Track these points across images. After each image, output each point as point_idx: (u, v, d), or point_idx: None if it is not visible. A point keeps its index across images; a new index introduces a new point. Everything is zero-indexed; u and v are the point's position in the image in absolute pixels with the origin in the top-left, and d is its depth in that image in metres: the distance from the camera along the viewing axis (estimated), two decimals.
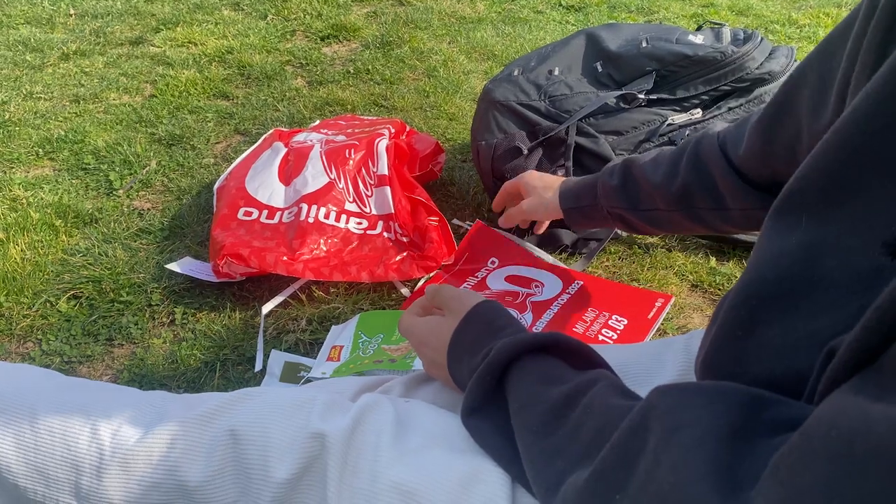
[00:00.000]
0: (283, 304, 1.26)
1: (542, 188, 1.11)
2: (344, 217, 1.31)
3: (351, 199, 1.34)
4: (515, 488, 0.53)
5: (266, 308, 1.23)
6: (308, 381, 1.07)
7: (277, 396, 0.62)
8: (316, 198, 1.32)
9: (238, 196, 1.36)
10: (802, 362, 0.41)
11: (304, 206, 1.31)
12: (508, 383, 0.56)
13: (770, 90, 1.40)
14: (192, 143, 1.74)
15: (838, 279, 0.41)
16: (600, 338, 1.13)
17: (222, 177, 1.47)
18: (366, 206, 1.35)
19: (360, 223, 1.32)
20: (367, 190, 1.36)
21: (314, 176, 1.36)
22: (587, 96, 1.40)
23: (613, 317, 1.17)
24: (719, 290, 1.30)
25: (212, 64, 2.14)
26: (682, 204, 0.89)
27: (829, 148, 0.43)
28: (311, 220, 1.29)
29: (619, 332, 1.15)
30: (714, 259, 1.37)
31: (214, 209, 1.40)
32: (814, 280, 0.43)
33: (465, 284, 1.27)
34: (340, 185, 1.35)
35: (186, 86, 1.99)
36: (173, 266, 1.29)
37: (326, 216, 1.30)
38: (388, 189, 1.35)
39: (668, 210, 0.91)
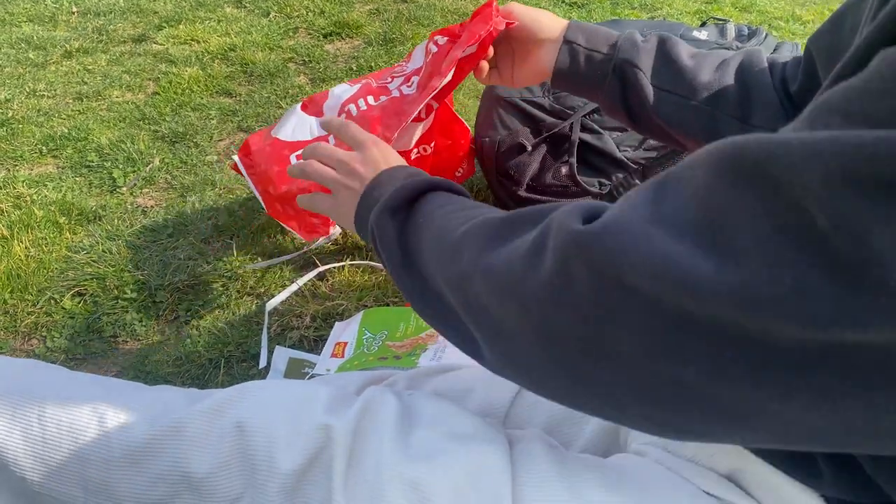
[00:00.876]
0: (287, 301, 1.26)
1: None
2: (396, 94, 1.18)
3: (390, 81, 1.22)
4: (517, 478, 0.53)
5: (270, 305, 1.23)
6: (313, 377, 1.07)
7: (283, 390, 0.63)
8: (357, 96, 1.21)
9: (279, 148, 1.24)
10: None
11: (352, 106, 1.20)
12: (425, 197, 0.60)
13: None
14: (195, 140, 1.74)
15: None
16: None
17: (236, 155, 1.35)
18: (406, 70, 1.20)
19: (409, 85, 1.17)
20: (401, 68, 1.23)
21: (343, 90, 1.25)
22: None
23: None
24: None
25: (214, 61, 2.14)
26: (710, 100, 0.80)
27: None
28: (364, 109, 1.18)
29: None
30: None
31: (248, 178, 1.28)
32: None
33: None
34: (375, 84, 1.24)
35: (189, 83, 1.99)
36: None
37: (376, 99, 1.19)
38: (420, 49, 1.16)
39: (687, 98, 0.80)
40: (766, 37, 1.42)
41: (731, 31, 1.45)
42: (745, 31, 1.46)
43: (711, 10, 2.55)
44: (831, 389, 0.31)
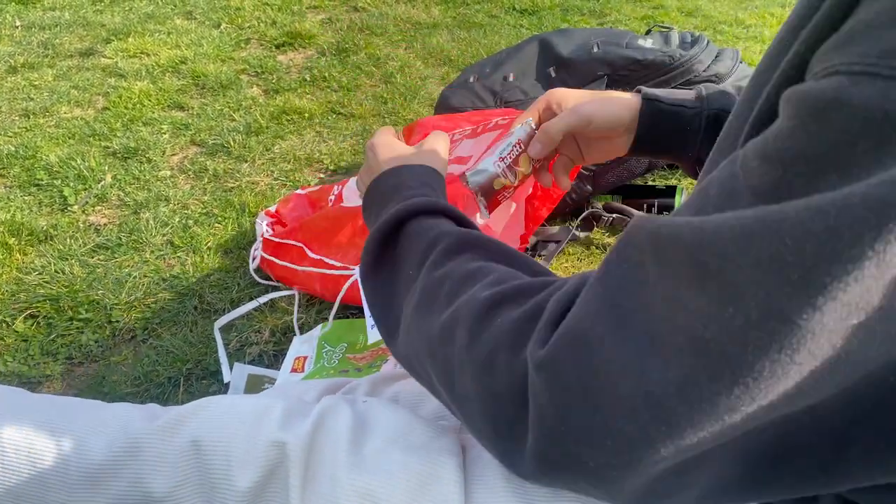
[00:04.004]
0: (245, 317, 1.26)
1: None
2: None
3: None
4: (468, 485, 0.55)
5: (220, 322, 1.23)
6: None
7: (237, 405, 0.63)
8: None
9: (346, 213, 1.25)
10: None
11: None
12: (401, 236, 0.62)
13: None
14: (147, 155, 1.72)
15: None
16: None
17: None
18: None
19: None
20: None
21: None
22: None
23: None
24: None
25: (165, 74, 2.12)
26: None
27: None
28: None
29: None
30: None
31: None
32: None
33: None
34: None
35: (140, 97, 1.97)
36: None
37: None
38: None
39: None
40: (707, 44, 1.47)
41: (674, 38, 1.50)
42: (689, 39, 1.51)
43: (658, 16, 2.61)
44: None
